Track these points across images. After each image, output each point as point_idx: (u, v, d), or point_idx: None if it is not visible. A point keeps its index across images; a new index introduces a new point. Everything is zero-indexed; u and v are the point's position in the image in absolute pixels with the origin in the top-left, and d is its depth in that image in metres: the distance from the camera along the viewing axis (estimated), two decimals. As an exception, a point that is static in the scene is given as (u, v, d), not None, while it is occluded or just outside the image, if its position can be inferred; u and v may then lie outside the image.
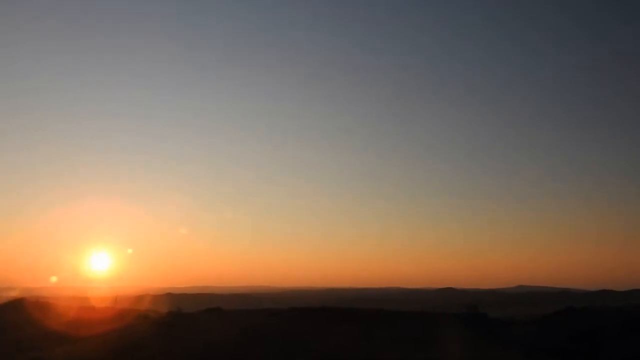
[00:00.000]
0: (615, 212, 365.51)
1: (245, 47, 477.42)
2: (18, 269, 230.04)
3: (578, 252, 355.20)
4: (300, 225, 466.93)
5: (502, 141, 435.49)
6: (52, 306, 61.17)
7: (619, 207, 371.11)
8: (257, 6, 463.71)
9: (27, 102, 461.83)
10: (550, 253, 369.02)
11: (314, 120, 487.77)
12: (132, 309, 66.73)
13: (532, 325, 54.80)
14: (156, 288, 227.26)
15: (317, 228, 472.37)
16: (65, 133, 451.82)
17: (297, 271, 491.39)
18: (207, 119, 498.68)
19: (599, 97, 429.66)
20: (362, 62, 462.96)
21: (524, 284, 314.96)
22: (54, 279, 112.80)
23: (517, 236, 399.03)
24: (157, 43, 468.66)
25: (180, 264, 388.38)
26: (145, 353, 37.15)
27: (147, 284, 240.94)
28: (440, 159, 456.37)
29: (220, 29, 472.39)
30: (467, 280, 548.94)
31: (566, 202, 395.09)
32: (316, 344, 42.53)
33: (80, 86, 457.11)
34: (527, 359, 35.42)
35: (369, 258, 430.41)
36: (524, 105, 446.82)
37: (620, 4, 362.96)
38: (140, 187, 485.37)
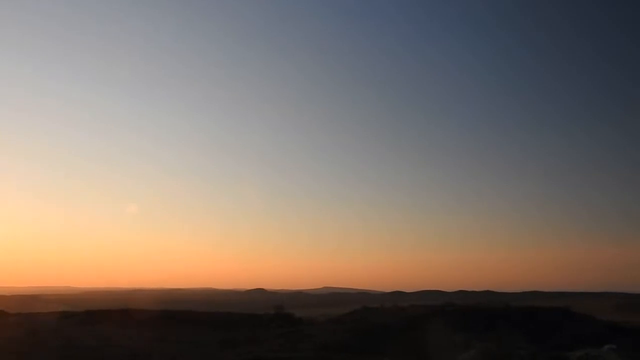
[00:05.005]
0: (409, 219, 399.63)
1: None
2: None
3: (377, 257, 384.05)
4: (102, 223, 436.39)
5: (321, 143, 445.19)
6: None
7: (411, 214, 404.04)
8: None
9: None
10: (353, 257, 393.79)
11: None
12: None
13: (329, 324, 58.46)
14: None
15: (120, 225, 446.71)
16: None
17: (97, 271, 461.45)
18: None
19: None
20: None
21: (330, 285, 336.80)
22: None
23: (324, 240, 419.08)
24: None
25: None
26: None
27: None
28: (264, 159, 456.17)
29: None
30: (277, 281, 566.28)
31: (369, 208, 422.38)
32: (112, 348, 40.30)
33: None
34: (316, 355, 37.59)
35: (179, 258, 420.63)
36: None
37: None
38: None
